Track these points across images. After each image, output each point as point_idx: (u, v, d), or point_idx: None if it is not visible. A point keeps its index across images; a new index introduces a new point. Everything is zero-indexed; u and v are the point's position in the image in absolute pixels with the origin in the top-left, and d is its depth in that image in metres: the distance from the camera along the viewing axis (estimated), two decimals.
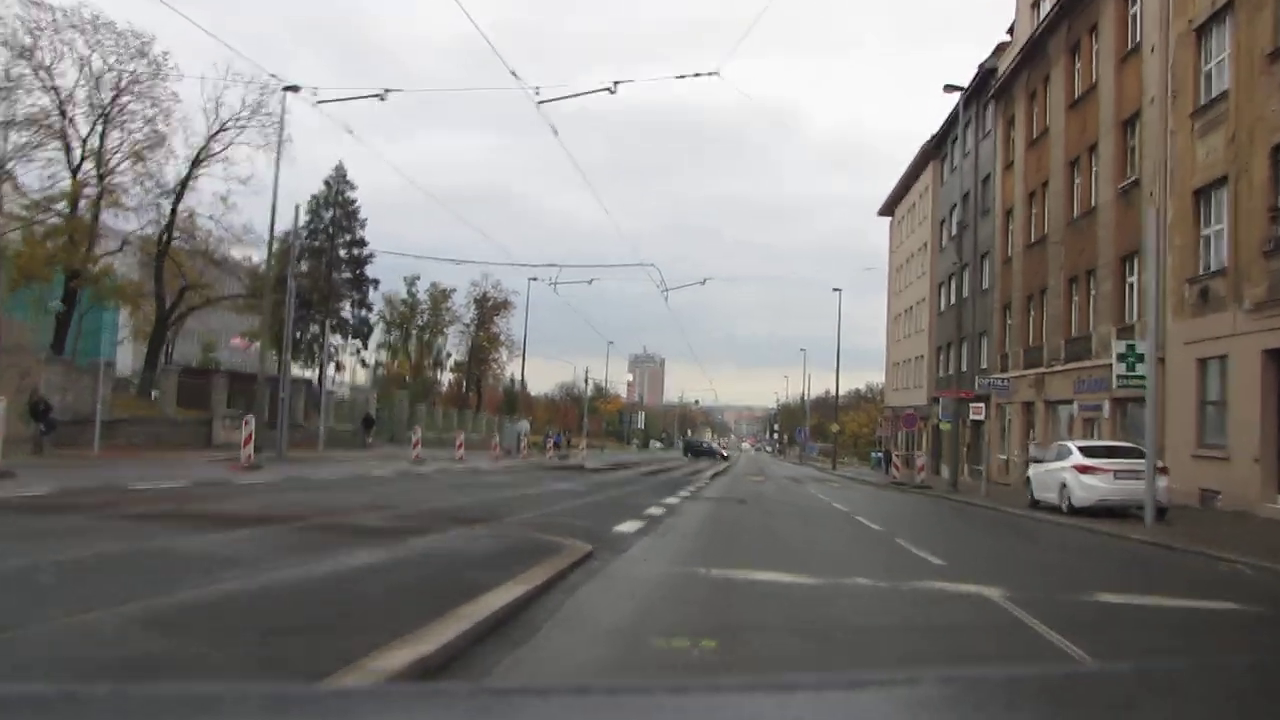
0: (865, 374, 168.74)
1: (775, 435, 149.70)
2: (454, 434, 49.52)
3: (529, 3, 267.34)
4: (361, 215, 74.93)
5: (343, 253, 74.82)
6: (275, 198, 36.36)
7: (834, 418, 72.93)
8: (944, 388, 50.76)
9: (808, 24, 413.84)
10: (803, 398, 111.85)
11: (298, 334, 72.30)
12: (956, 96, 37.63)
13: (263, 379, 35.59)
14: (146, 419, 35.45)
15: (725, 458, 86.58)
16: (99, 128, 39.49)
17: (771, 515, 18.63)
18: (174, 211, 40.57)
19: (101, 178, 39.90)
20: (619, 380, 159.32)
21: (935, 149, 55.89)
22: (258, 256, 46.31)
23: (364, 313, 75.91)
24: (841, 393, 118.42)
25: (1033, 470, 23.01)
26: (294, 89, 35.21)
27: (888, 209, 70.65)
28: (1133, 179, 27.93)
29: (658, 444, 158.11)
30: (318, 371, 74.54)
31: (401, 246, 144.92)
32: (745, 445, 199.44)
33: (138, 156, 40.15)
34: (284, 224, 42.19)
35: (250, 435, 24.90)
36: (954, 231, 51.18)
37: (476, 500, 17.94)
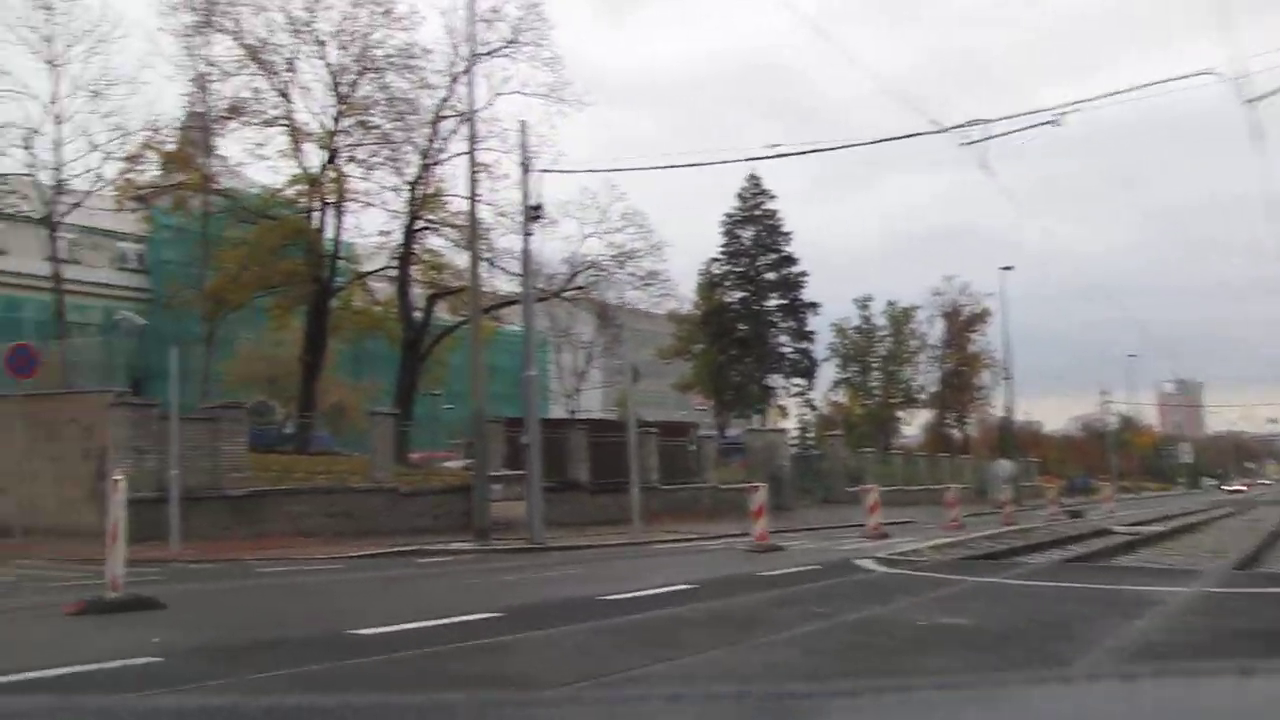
0: None
1: None
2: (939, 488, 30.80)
3: (938, 39, 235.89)
4: (785, 228, 58.84)
5: (770, 275, 58.93)
6: (526, 156, 20.35)
7: None
8: None
9: None
10: None
11: (735, 376, 57.97)
12: None
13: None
14: (314, 491, 20.42)
15: None
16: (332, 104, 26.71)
17: None
18: (415, 191, 26.29)
19: (332, 158, 26.86)
20: (1148, 407, 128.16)
21: None
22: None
23: (805, 345, 59.32)
24: None
25: None
26: None
27: None
28: None
29: (1211, 481, 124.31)
30: (759, 420, 58.77)
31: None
32: None
33: (381, 141, 26.63)
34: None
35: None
36: None
37: None
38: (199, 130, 27.13)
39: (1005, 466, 32.14)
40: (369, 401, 34.44)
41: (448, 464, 33.10)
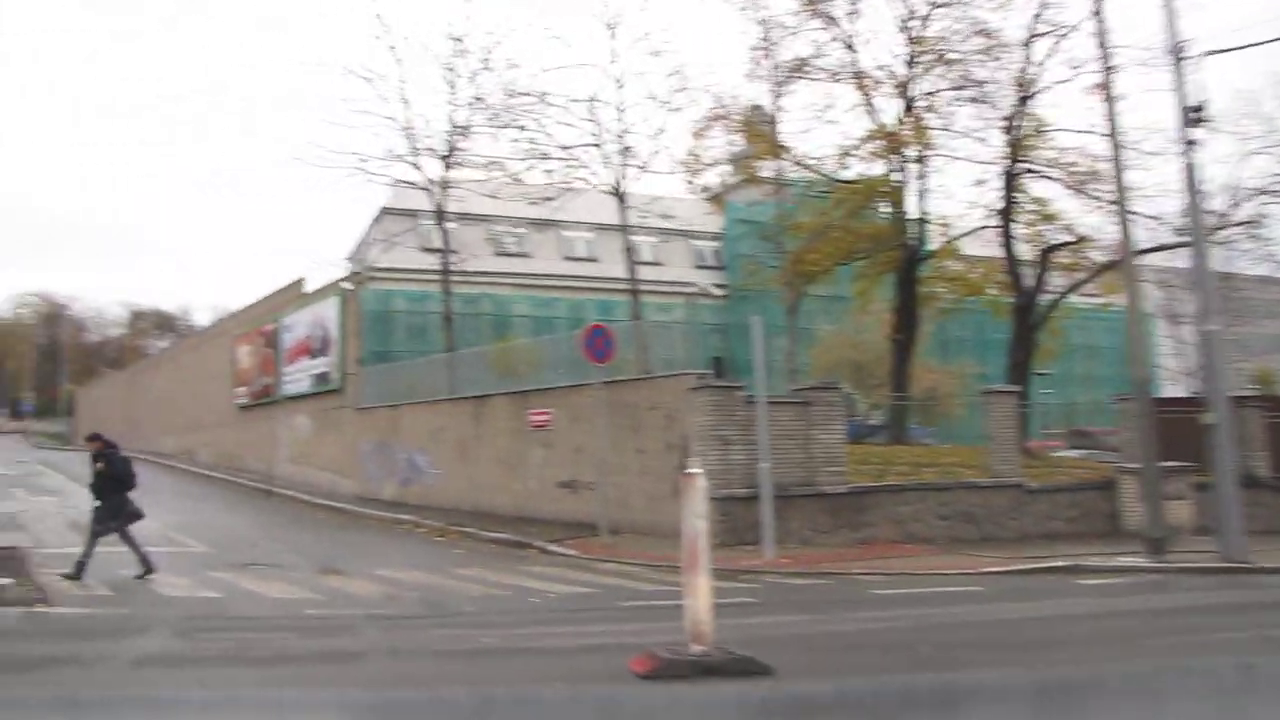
0: None
1: None
2: None
3: None
4: None
5: None
6: (1176, 40, 15.23)
7: None
8: None
9: None
10: None
11: None
12: None
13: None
14: (923, 488, 16.44)
15: None
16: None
17: None
18: (1011, 130, 21.78)
19: (909, 107, 23.39)
20: None
21: None
22: None
23: None
24: None
25: None
26: None
27: None
28: None
29: None
30: None
31: None
32: None
33: (962, 80, 22.72)
34: None
35: None
36: None
37: None
38: (767, 96, 24.89)
39: None
40: (960, 386, 30.40)
41: (1058, 454, 27.96)
